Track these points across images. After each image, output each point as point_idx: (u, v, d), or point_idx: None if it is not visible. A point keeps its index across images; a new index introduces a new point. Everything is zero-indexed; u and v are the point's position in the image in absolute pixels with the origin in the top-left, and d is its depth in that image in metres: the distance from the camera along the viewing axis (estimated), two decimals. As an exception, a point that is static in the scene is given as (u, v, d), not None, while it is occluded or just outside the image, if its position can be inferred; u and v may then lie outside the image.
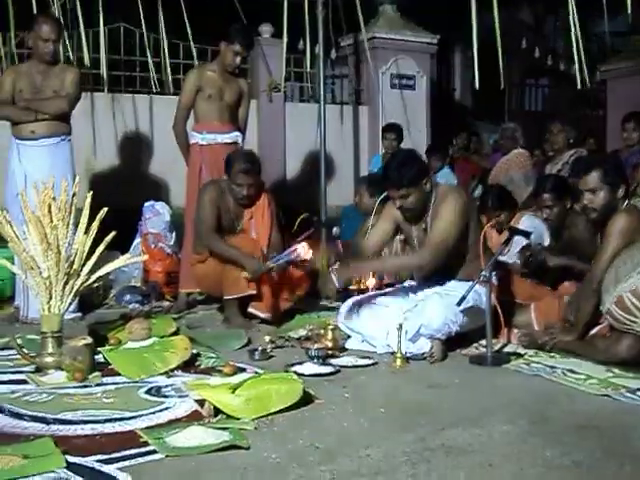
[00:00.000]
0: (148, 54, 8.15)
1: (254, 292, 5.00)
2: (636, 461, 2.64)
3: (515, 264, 4.94)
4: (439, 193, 4.37)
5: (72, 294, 4.04)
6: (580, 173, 4.15)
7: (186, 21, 7.92)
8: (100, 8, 7.51)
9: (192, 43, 8.16)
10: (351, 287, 5.39)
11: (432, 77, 10.86)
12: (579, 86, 7.12)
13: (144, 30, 8.04)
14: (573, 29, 6.85)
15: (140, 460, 2.66)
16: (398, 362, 3.98)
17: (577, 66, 7.02)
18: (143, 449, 2.76)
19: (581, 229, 4.78)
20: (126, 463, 2.62)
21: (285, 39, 8.01)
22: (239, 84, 5.92)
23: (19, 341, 4.15)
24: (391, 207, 4.56)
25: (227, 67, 5.75)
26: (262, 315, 5.03)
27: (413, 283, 4.58)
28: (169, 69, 8.29)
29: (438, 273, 4.38)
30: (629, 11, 6.60)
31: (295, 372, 3.69)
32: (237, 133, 5.87)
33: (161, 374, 3.80)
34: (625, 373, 3.76)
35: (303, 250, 4.60)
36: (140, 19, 7.89)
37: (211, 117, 5.76)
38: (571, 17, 6.85)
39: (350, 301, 4.58)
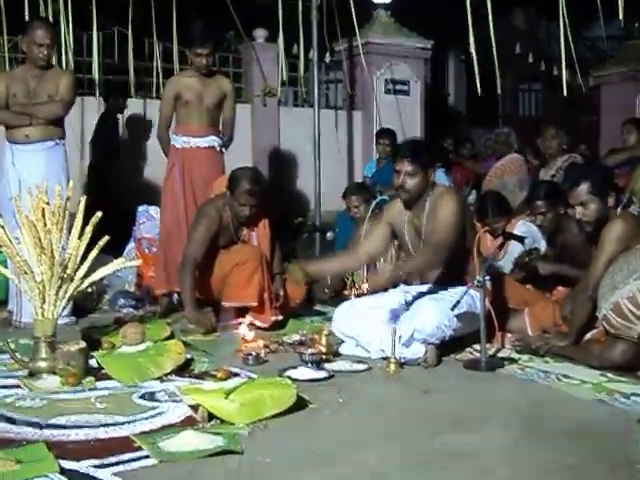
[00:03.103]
0: (162, 60, 8.12)
1: (255, 304, 5.01)
2: (629, 465, 2.64)
3: (512, 271, 4.96)
4: (436, 192, 4.38)
5: (65, 298, 4.03)
6: (569, 188, 4.15)
7: (174, 26, 7.92)
8: (94, 12, 7.50)
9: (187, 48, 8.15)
10: (345, 292, 5.39)
11: (426, 82, 10.88)
12: (565, 92, 7.12)
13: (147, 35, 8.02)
14: (563, 34, 6.86)
15: (134, 465, 2.66)
16: (392, 367, 3.98)
17: (564, 71, 7.01)
18: (137, 454, 2.75)
19: (574, 234, 4.78)
20: (120, 468, 2.62)
21: (281, 44, 8.02)
22: (220, 85, 5.90)
23: (12, 346, 4.14)
24: (387, 210, 4.59)
25: (199, 70, 5.78)
26: (261, 324, 5.01)
27: (407, 288, 4.56)
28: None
29: (441, 275, 4.39)
30: (621, 17, 6.61)
31: (289, 377, 3.69)
32: (215, 138, 5.86)
33: (155, 379, 3.79)
34: (619, 378, 3.76)
35: (246, 331, 4.58)
36: (134, 24, 7.89)
37: (190, 121, 5.80)
38: (561, 23, 6.87)
39: (344, 306, 4.59)
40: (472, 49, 6.37)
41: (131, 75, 8.45)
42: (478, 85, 6.54)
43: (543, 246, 5.06)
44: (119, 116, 8.32)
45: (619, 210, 4.12)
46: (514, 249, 4.85)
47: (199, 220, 5.13)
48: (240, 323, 4.65)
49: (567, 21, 6.85)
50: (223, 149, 5.95)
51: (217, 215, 5.12)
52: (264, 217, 5.28)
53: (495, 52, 6.72)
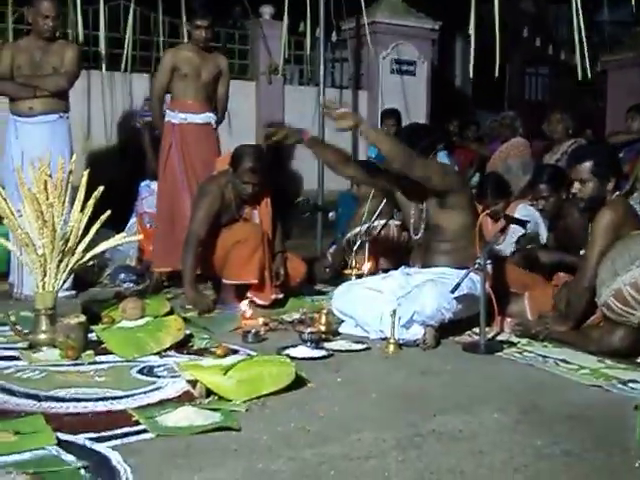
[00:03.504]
0: (164, 34, 8.06)
1: (256, 281, 5.01)
2: (625, 451, 2.65)
3: (512, 255, 4.95)
4: None
5: (66, 272, 4.04)
6: (573, 161, 4.16)
7: (182, 2, 7.85)
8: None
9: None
10: (346, 272, 5.39)
11: (433, 63, 10.84)
12: (580, 77, 7.09)
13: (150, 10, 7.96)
14: (575, 19, 6.82)
15: (131, 439, 2.67)
16: (391, 348, 3.99)
17: (579, 56, 6.97)
18: (134, 428, 2.77)
19: (576, 219, 4.78)
20: (117, 442, 2.64)
21: (286, 21, 7.97)
22: (217, 62, 5.89)
23: (12, 318, 4.15)
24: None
25: (198, 43, 5.74)
26: (260, 302, 5.02)
27: (408, 270, 4.57)
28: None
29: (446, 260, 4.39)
30: (633, 2, 6.56)
31: (288, 355, 3.70)
32: (210, 114, 5.85)
33: (154, 354, 3.80)
34: (617, 364, 3.77)
35: (246, 308, 4.59)
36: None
37: (186, 96, 5.76)
38: (574, 6, 6.82)
39: (344, 285, 4.59)
40: (471, 30, 6.32)
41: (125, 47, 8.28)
42: (471, 67, 6.50)
43: (543, 230, 5.05)
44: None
45: (614, 196, 4.11)
46: (515, 233, 4.84)
47: (201, 198, 5.11)
48: (239, 307, 4.66)
49: (579, 5, 6.80)
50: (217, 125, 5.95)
51: (219, 192, 5.11)
52: (266, 195, 5.27)
53: (501, 35, 6.68)
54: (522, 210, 5.09)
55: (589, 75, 7.25)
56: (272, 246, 5.22)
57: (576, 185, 4.11)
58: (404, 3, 10.33)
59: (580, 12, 6.80)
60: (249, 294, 5.02)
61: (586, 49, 7.08)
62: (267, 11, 9.44)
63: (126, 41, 7.78)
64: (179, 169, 5.72)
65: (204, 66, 5.78)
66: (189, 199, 5.57)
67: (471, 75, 6.57)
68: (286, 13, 7.82)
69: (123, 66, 7.83)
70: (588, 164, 4.06)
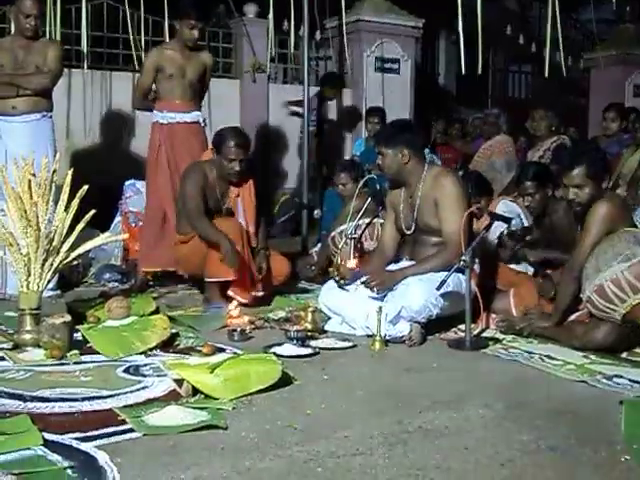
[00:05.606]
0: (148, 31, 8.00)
1: (236, 278, 4.99)
2: (610, 447, 2.66)
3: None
4: (432, 173, 4.42)
5: (51, 271, 4.02)
6: (565, 169, 4.13)
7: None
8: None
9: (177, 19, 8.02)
10: (331, 269, 5.38)
11: (416, 61, 10.85)
12: (546, 74, 7.08)
13: (127, 7, 7.89)
14: (550, 17, 6.84)
15: (117, 438, 2.66)
16: (377, 345, 3.99)
17: (548, 53, 6.98)
18: (121, 427, 2.76)
19: (562, 216, 4.79)
20: (103, 441, 2.63)
21: (271, 19, 7.95)
22: (202, 59, 5.86)
23: (-4, 318, 4.14)
24: (389, 194, 4.70)
25: (187, 42, 5.70)
26: (241, 300, 5.01)
27: (393, 267, 4.57)
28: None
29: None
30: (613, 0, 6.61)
31: (274, 353, 3.69)
32: (199, 113, 5.84)
33: (140, 353, 3.79)
34: (602, 359, 3.79)
35: (235, 310, 4.59)
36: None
37: (173, 96, 5.72)
38: (550, 6, 6.83)
39: (331, 282, 4.60)
40: (460, 27, 6.31)
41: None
42: (463, 63, 6.47)
43: (526, 222, 5.06)
44: (329, 103, 9.05)
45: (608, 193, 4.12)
46: (497, 230, 4.85)
47: (185, 179, 5.14)
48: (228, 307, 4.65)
49: (557, 3, 6.82)
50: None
51: (202, 173, 5.12)
52: (249, 181, 5.26)
53: (485, 32, 6.68)
54: (502, 206, 5.09)
55: (564, 72, 7.26)
56: (253, 241, 5.20)
57: (573, 191, 4.07)
58: (387, 1, 10.33)
59: (557, 10, 6.81)
60: (230, 292, 5.01)
61: (562, 46, 7.08)
62: (251, 10, 9.42)
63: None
64: (168, 169, 5.68)
65: (189, 65, 5.74)
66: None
67: (464, 70, 6.53)
68: (271, 11, 7.80)
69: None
70: (581, 169, 4.02)
